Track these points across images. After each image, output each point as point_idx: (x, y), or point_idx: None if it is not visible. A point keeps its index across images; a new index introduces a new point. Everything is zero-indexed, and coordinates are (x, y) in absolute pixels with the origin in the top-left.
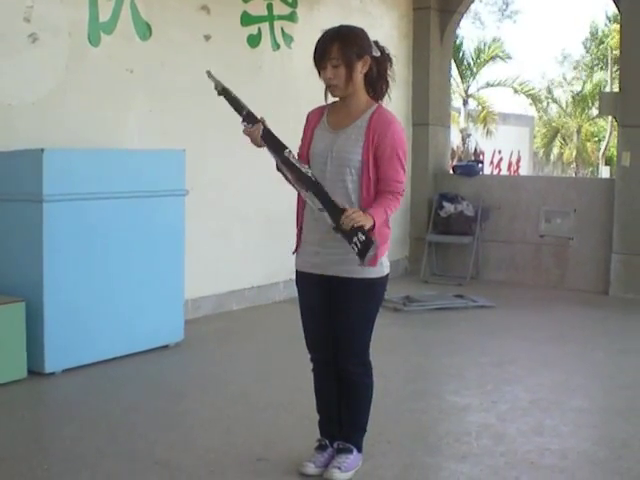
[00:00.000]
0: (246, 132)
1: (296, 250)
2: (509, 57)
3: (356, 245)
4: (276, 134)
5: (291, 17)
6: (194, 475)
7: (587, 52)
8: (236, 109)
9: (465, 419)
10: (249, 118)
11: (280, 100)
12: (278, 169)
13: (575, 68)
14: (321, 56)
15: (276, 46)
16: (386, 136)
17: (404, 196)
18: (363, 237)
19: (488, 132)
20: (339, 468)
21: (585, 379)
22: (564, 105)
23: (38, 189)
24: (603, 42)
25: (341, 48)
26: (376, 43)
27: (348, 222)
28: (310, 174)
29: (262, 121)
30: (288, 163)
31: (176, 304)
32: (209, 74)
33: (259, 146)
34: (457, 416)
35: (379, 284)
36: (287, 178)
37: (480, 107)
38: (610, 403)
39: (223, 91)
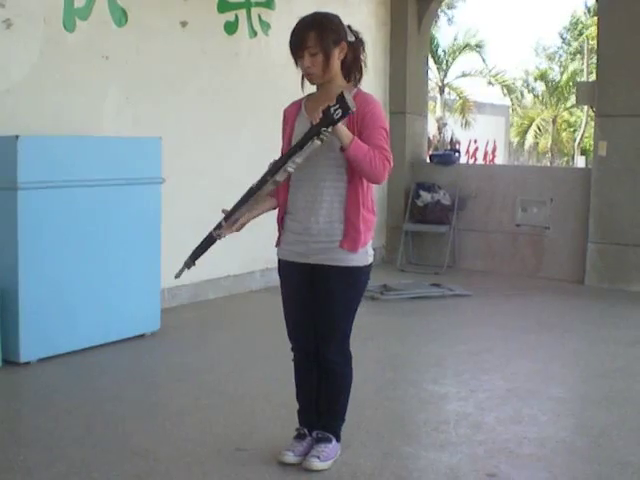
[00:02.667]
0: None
1: (278, 241)
2: (480, 46)
3: (335, 110)
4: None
5: (268, 4)
6: (172, 465)
7: (564, 42)
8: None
9: (443, 408)
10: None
11: (257, 88)
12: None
13: (551, 59)
14: (298, 45)
15: (253, 33)
16: (366, 114)
17: (390, 172)
18: (333, 104)
19: (466, 122)
20: (318, 457)
21: (562, 368)
22: (540, 95)
23: (12, 176)
24: (582, 33)
25: (318, 36)
26: (350, 28)
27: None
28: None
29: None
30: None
31: (152, 293)
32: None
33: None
34: (435, 405)
35: (363, 273)
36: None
37: (457, 97)
38: (588, 392)
39: (192, 262)
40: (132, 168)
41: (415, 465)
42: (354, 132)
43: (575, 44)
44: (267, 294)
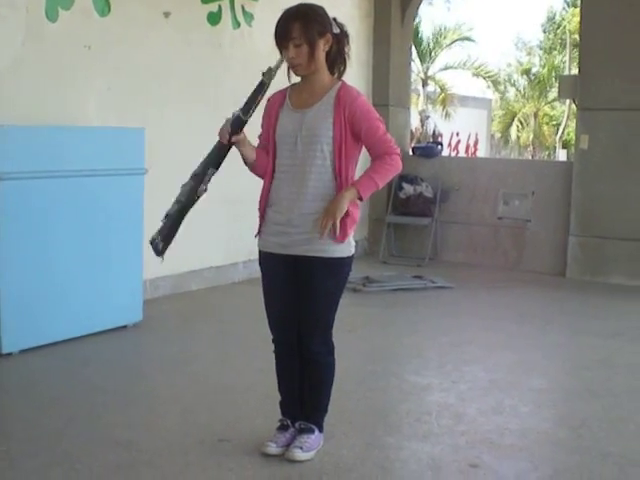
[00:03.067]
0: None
1: (259, 232)
2: (469, 39)
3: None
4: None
5: None
6: (155, 456)
7: (546, 35)
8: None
9: (425, 399)
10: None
11: (241, 78)
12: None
13: (529, 54)
14: (282, 36)
15: (236, 24)
16: (356, 110)
17: (400, 154)
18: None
19: (447, 115)
20: (301, 448)
21: (543, 359)
22: (521, 89)
23: None
24: (560, 26)
25: (302, 27)
26: (335, 20)
27: (325, 228)
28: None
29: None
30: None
31: (135, 284)
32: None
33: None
34: (417, 396)
35: (345, 264)
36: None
37: (439, 89)
38: (568, 383)
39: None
40: (115, 158)
41: (397, 455)
42: (345, 126)
43: (552, 37)
44: (250, 285)
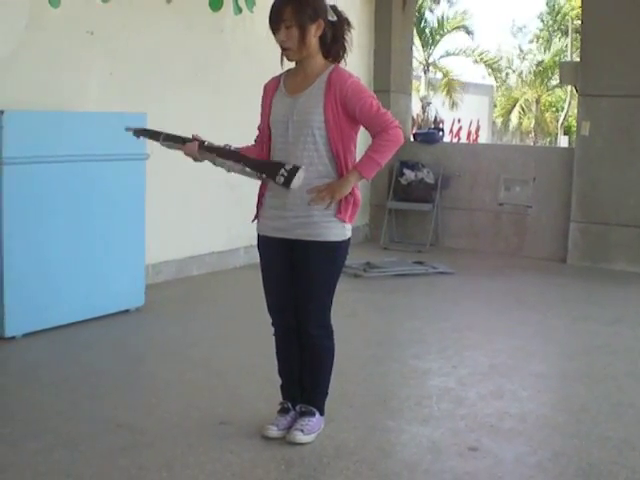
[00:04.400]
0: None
1: (256, 216)
2: (468, 31)
3: (283, 176)
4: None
5: None
6: (157, 438)
7: (544, 24)
8: (152, 137)
9: (426, 383)
10: (170, 139)
11: (242, 64)
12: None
13: (531, 41)
14: (275, 18)
15: (238, 10)
16: (347, 90)
17: (399, 125)
18: (289, 167)
19: (453, 103)
20: (302, 430)
21: (543, 345)
22: (524, 76)
23: None
24: (560, 13)
25: (294, 10)
26: (333, 8)
27: (319, 200)
28: (233, 148)
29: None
30: (225, 154)
31: (137, 269)
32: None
33: (198, 160)
34: (418, 380)
35: (341, 247)
36: (230, 168)
37: (442, 75)
38: (568, 368)
39: (138, 132)
40: (117, 144)
41: (398, 439)
42: (337, 109)
43: (554, 24)
44: (251, 271)
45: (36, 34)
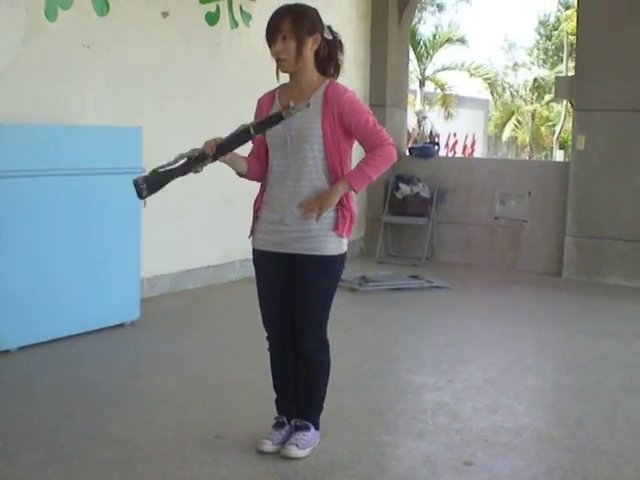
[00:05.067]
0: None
1: (252, 232)
2: (463, 41)
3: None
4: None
5: None
6: (151, 452)
7: (540, 38)
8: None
9: (421, 397)
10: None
11: (238, 78)
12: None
13: (530, 55)
14: (272, 30)
15: (234, 24)
16: (344, 105)
17: (393, 143)
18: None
19: (449, 115)
20: (297, 445)
21: (539, 359)
22: (519, 90)
23: None
24: (556, 28)
25: (292, 22)
26: (329, 28)
27: (309, 212)
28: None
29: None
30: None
31: (132, 282)
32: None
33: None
34: (413, 394)
35: (338, 261)
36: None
37: (438, 90)
38: (563, 382)
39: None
40: (113, 157)
41: (393, 453)
42: (334, 123)
43: (548, 40)
44: (247, 284)
45: (33, 47)
